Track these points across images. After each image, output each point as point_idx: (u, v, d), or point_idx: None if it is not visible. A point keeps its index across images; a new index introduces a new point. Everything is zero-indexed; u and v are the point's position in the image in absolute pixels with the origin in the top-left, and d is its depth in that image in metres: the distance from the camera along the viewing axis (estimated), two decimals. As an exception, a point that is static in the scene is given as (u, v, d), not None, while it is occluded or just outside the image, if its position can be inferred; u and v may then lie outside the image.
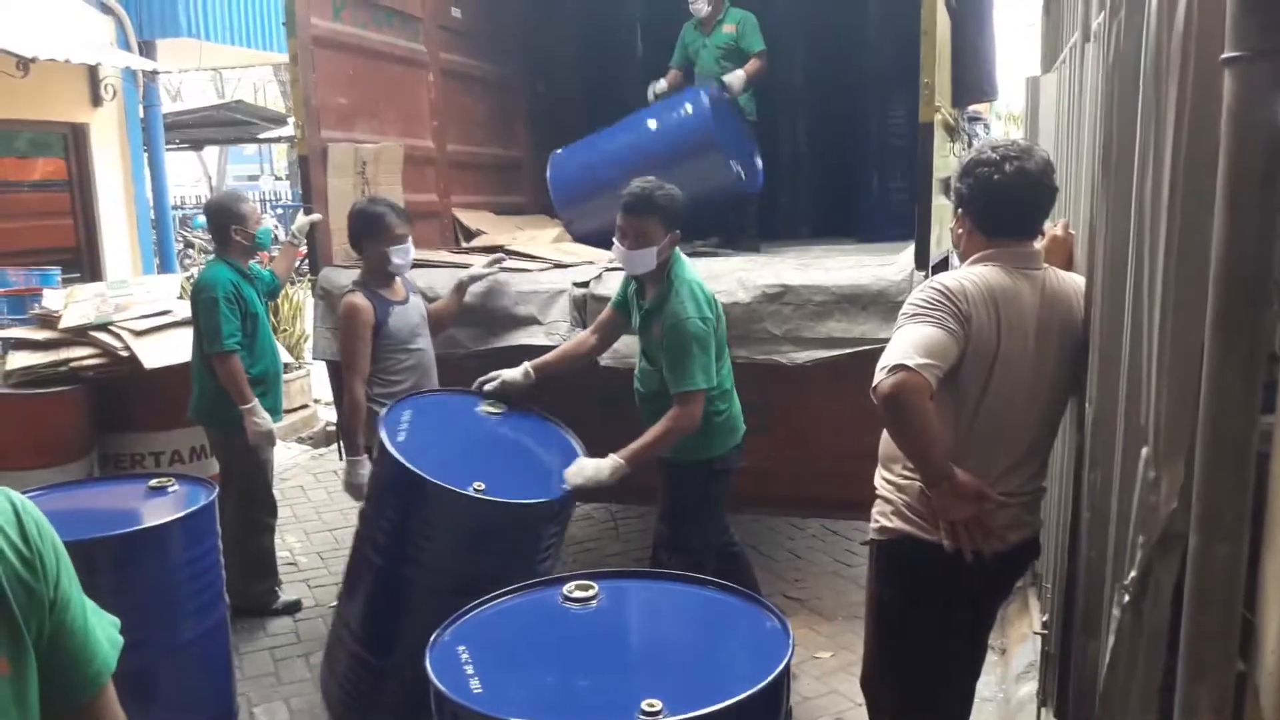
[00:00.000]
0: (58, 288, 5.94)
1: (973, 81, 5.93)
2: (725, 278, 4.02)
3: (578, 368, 3.73)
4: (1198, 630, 1.27)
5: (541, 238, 5.61)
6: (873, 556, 2.62)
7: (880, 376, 2.24)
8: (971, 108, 8.42)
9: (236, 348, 4.25)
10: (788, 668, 1.92)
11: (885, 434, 2.49)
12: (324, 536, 5.61)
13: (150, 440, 5.18)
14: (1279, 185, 1.14)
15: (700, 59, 5.76)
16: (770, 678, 1.83)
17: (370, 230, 3.95)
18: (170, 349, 5.00)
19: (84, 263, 8.48)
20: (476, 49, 6.10)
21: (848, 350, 3.80)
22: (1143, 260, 1.63)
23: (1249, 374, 1.20)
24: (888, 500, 2.52)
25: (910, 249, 4.00)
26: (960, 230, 2.54)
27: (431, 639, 2.07)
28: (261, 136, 15.51)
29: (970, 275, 2.38)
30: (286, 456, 6.89)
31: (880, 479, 2.57)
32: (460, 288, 4.27)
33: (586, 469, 3.19)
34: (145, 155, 9.13)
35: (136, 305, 5.32)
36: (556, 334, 4.17)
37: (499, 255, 4.42)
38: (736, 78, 5.57)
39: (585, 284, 4.26)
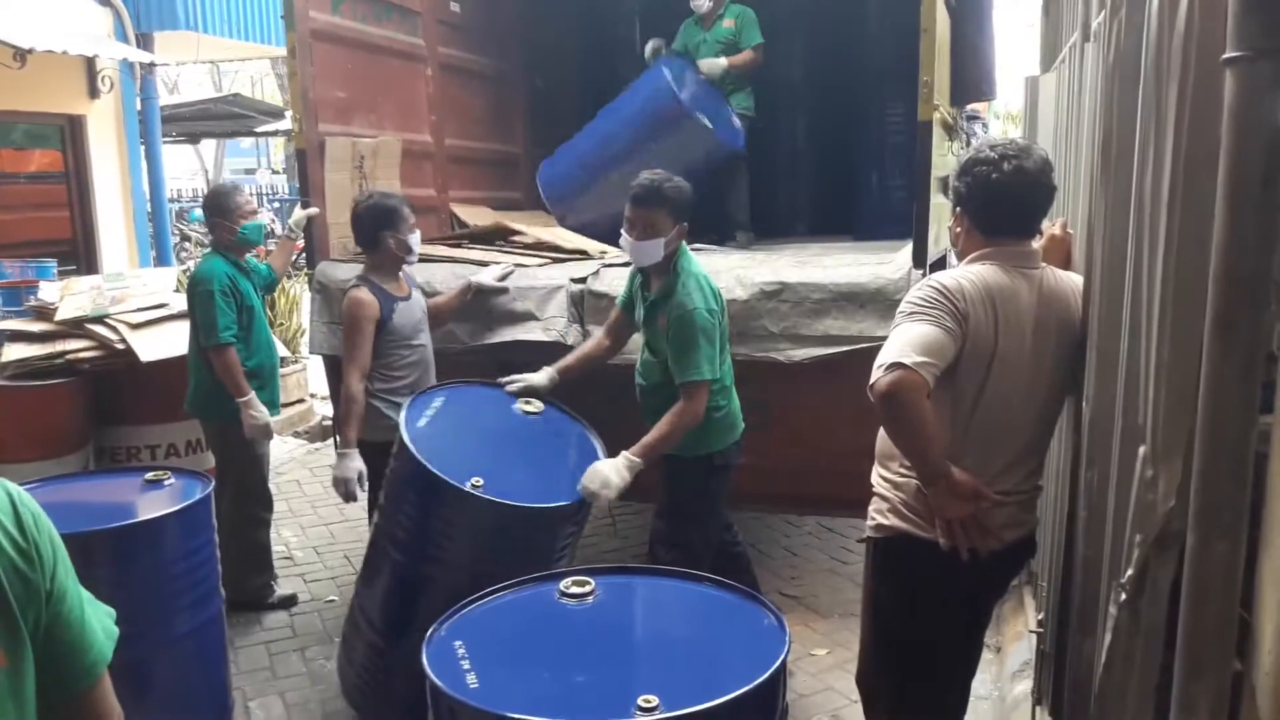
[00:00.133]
0: (54, 280, 5.93)
1: (971, 80, 5.93)
2: (723, 275, 4.02)
3: (596, 368, 3.76)
4: (1195, 629, 1.28)
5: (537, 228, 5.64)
6: (869, 554, 2.63)
7: (877, 374, 2.24)
8: (970, 106, 8.43)
9: (232, 340, 4.25)
10: (784, 664, 1.92)
11: (882, 431, 2.49)
12: (319, 531, 5.61)
13: (146, 433, 5.18)
14: (1279, 186, 1.14)
15: (699, 54, 5.76)
16: (766, 674, 1.84)
17: (389, 222, 3.94)
18: (166, 342, 5.00)
19: (80, 255, 8.47)
20: (475, 44, 6.09)
21: (845, 348, 3.80)
22: (1141, 259, 1.63)
23: (1248, 374, 1.20)
24: (884, 498, 2.53)
25: (908, 247, 4.00)
26: (958, 229, 2.54)
27: (428, 634, 2.07)
28: (259, 130, 15.44)
29: (968, 274, 2.39)
30: (283, 451, 6.88)
31: (877, 476, 2.57)
32: (466, 290, 4.27)
33: (601, 472, 3.17)
34: (142, 148, 9.12)
35: (133, 298, 5.32)
36: (554, 330, 4.17)
37: (510, 268, 4.40)
38: (713, 64, 5.60)
39: (583, 280, 4.26)
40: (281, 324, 7.90)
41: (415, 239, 4.02)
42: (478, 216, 5.77)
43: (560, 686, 1.97)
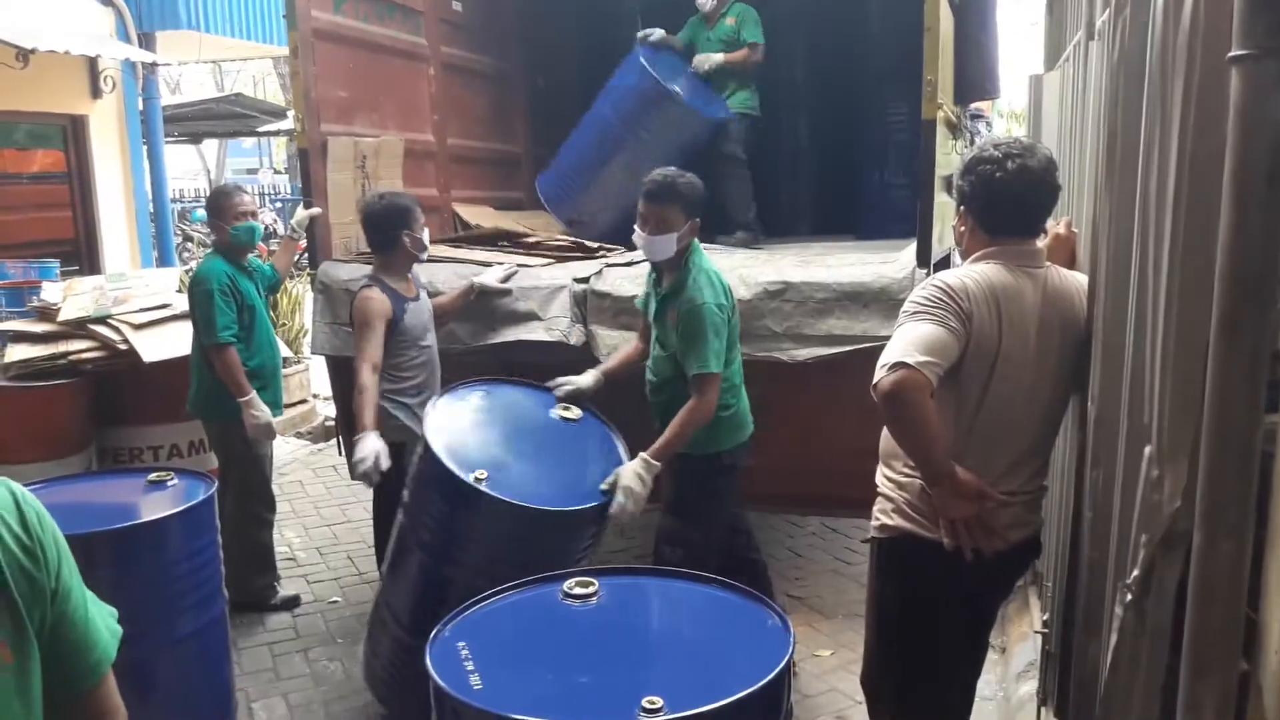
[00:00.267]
0: (56, 280, 5.93)
1: (975, 79, 5.91)
2: (727, 274, 3.99)
3: (636, 371, 3.78)
4: (1201, 629, 1.27)
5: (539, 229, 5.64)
6: (873, 554, 2.62)
7: (881, 374, 2.24)
8: (974, 105, 8.41)
9: (232, 340, 4.25)
10: (788, 665, 1.91)
11: (886, 431, 2.49)
12: (322, 532, 5.61)
13: (149, 434, 5.18)
14: (1285, 184, 1.14)
15: (701, 51, 5.76)
16: (771, 675, 1.83)
17: (405, 220, 3.93)
18: (169, 342, 5.00)
19: (82, 255, 8.48)
20: (477, 43, 6.09)
21: (849, 348, 3.80)
22: (1147, 258, 1.63)
23: (1253, 373, 1.20)
24: (888, 498, 2.52)
25: (912, 247, 4.00)
26: (962, 228, 2.54)
27: (432, 635, 2.07)
28: (261, 130, 15.47)
29: (972, 273, 2.38)
30: (285, 451, 6.88)
31: (881, 476, 2.57)
32: (468, 291, 4.27)
33: (624, 483, 3.19)
34: (144, 148, 9.13)
35: (135, 298, 5.33)
36: (556, 330, 4.17)
37: (513, 269, 4.41)
38: (705, 59, 5.63)
39: (585, 280, 4.25)
40: (284, 324, 7.90)
41: (427, 236, 4.04)
42: (480, 216, 5.77)
43: (564, 688, 1.97)
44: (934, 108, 3.91)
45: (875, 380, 2.25)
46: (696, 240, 3.51)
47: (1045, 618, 3.14)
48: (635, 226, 3.47)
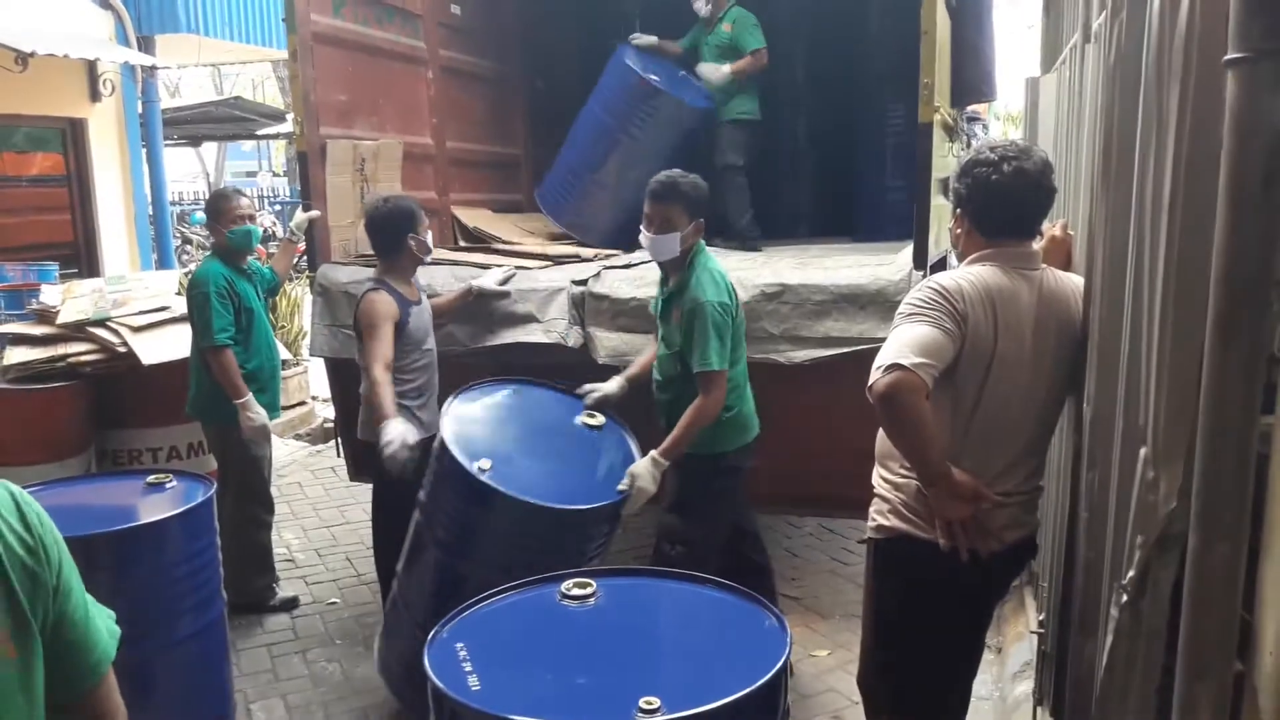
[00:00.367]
0: (55, 283, 5.93)
1: (972, 82, 5.93)
2: (724, 277, 4.03)
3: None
4: (1196, 630, 1.28)
5: (538, 234, 5.66)
6: (870, 555, 2.62)
7: (876, 375, 2.24)
8: (970, 108, 8.42)
9: (228, 342, 4.27)
10: (785, 666, 1.92)
11: (882, 432, 2.49)
12: (321, 533, 5.61)
13: (148, 436, 5.18)
14: (1280, 187, 1.14)
15: (704, 56, 5.76)
16: (768, 676, 1.83)
17: (411, 224, 3.94)
18: (168, 345, 5.00)
19: (82, 258, 8.48)
20: (476, 46, 6.09)
21: (846, 349, 3.81)
22: (1143, 261, 1.63)
23: (1249, 375, 1.20)
24: (885, 499, 2.53)
25: (909, 249, 4.01)
26: (958, 230, 2.54)
27: (430, 636, 2.07)
28: (260, 133, 15.47)
29: (968, 275, 2.39)
30: (284, 453, 6.88)
31: (878, 477, 2.57)
32: (466, 294, 4.28)
33: (637, 480, 3.25)
34: (144, 151, 9.12)
35: (134, 301, 5.32)
36: (554, 332, 4.18)
37: (511, 271, 4.41)
38: (713, 70, 5.60)
39: (583, 282, 4.26)
40: (283, 326, 7.91)
41: (431, 239, 4.06)
42: (478, 219, 5.78)
43: (562, 688, 1.97)
44: (930, 110, 3.92)
45: (870, 382, 2.26)
46: (703, 242, 3.55)
47: (1041, 618, 3.15)
48: (641, 227, 3.51)
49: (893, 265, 3.97)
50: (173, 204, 16.04)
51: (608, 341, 4.13)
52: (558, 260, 4.76)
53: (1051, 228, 2.76)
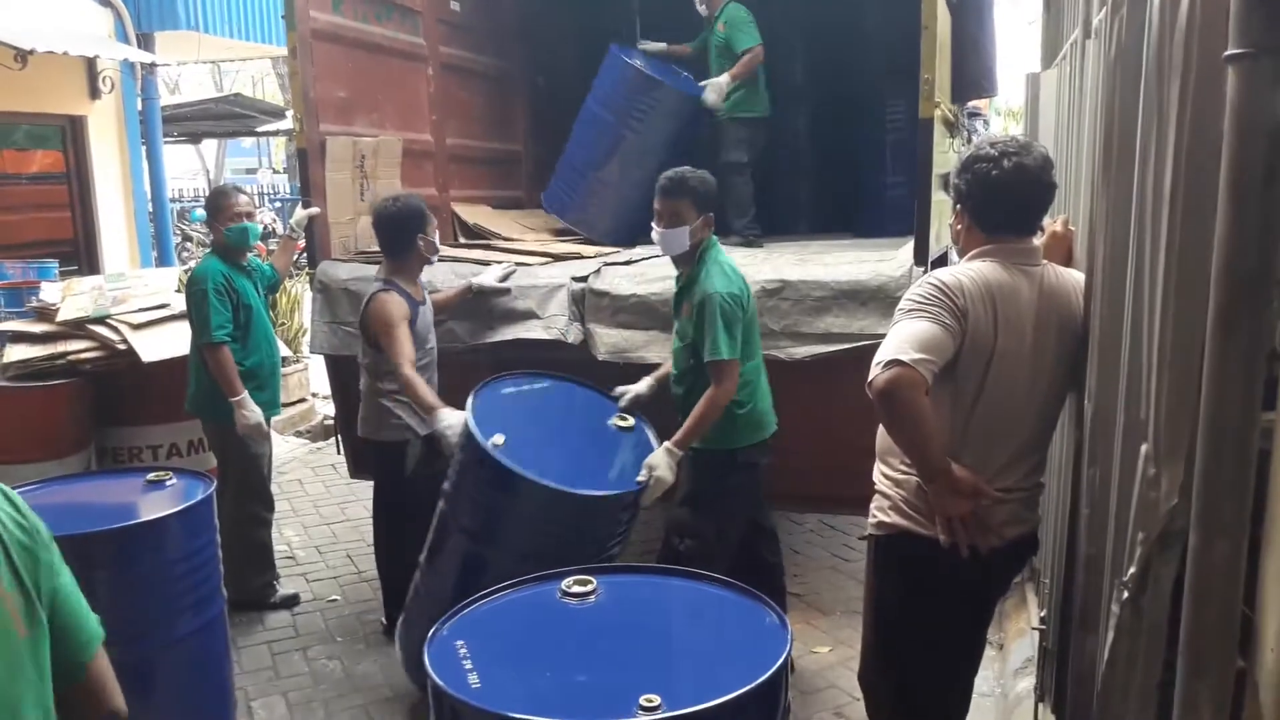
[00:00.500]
0: (55, 281, 5.93)
1: (972, 77, 5.93)
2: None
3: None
4: (1198, 626, 1.27)
5: (539, 230, 5.65)
6: (870, 551, 2.62)
7: (875, 371, 2.24)
8: (971, 103, 8.42)
9: (226, 339, 4.26)
10: (786, 663, 1.92)
11: (882, 429, 2.49)
12: (322, 530, 5.61)
13: (148, 434, 5.18)
14: (1281, 182, 1.14)
15: (709, 55, 5.75)
16: (769, 673, 1.83)
17: (421, 224, 3.95)
18: (168, 342, 5.00)
19: (81, 256, 8.47)
20: (475, 42, 6.09)
21: (846, 346, 3.81)
22: (1143, 257, 1.63)
23: (1249, 371, 1.20)
24: (885, 495, 2.52)
25: (909, 245, 4.00)
26: (959, 226, 2.54)
27: (430, 633, 2.07)
28: (260, 130, 15.44)
29: (968, 271, 2.38)
30: (284, 450, 6.88)
31: (878, 474, 2.57)
32: (466, 290, 4.29)
33: (655, 470, 3.28)
34: (143, 148, 9.11)
35: (134, 298, 5.32)
36: (555, 328, 4.18)
37: (511, 268, 4.41)
38: (715, 89, 5.52)
39: (584, 278, 4.26)
40: (283, 323, 7.91)
41: (437, 238, 4.07)
42: (478, 216, 5.77)
43: (562, 686, 1.97)
44: (931, 106, 3.92)
45: (870, 378, 2.25)
46: (715, 237, 3.57)
47: (1042, 614, 3.15)
48: (652, 223, 3.54)
49: (893, 261, 3.97)
50: (172, 201, 16.03)
51: (608, 338, 4.13)
52: (558, 257, 4.75)
53: (1052, 223, 2.75)
